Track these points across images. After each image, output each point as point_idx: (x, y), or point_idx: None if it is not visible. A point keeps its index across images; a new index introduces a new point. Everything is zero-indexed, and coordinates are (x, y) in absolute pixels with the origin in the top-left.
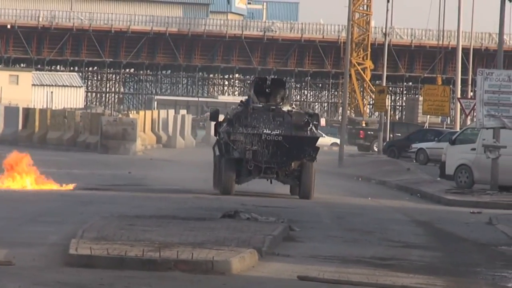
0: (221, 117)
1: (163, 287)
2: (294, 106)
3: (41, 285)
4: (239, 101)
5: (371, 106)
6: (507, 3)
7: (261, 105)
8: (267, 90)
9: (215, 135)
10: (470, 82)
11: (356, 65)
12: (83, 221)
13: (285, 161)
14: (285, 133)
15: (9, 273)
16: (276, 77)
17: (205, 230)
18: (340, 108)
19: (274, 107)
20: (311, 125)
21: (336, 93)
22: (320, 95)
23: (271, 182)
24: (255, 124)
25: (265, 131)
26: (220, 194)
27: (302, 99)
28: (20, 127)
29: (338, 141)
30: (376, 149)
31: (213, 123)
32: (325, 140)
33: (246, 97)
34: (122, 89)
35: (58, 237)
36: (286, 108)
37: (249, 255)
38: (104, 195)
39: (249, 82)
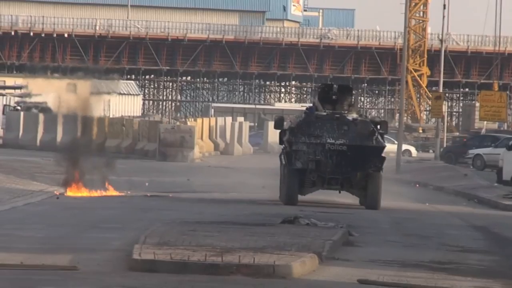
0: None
1: None
2: (361, 113)
3: None
4: (295, 108)
5: (427, 112)
6: None
7: (325, 113)
8: (333, 97)
9: (280, 143)
10: None
11: (413, 71)
12: (144, 227)
13: (349, 172)
14: (349, 142)
15: (74, 278)
16: (343, 84)
17: (265, 235)
18: (397, 115)
19: (338, 115)
20: (376, 134)
21: (392, 99)
22: (376, 101)
23: (339, 192)
24: (319, 133)
25: (328, 141)
26: (283, 204)
27: (359, 106)
28: (78, 134)
29: (411, 148)
30: None
31: (277, 131)
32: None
33: (311, 105)
34: (179, 97)
35: (120, 243)
36: (351, 116)
37: (309, 259)
38: (164, 202)
39: (309, 89)
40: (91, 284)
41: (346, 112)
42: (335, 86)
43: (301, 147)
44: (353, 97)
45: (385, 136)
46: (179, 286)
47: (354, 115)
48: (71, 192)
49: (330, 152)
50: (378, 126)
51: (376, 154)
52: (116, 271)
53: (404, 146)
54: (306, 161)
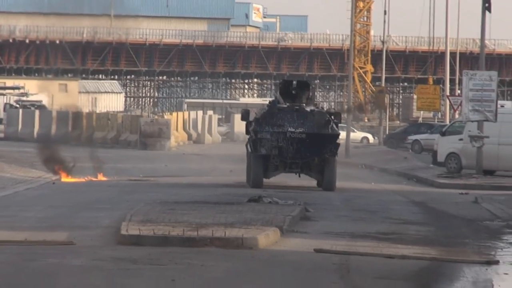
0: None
1: (201, 260)
2: (317, 105)
3: (99, 260)
4: (257, 102)
5: (371, 104)
6: (487, 12)
7: (286, 106)
8: (293, 91)
9: (247, 133)
10: (457, 82)
11: (358, 69)
12: (130, 207)
13: (308, 157)
14: (308, 131)
15: (72, 251)
16: (302, 79)
17: (234, 213)
18: (346, 106)
19: (298, 107)
20: (332, 123)
21: (341, 93)
22: (328, 95)
23: (299, 176)
24: (281, 123)
25: (289, 129)
26: (250, 187)
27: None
28: (70, 128)
29: (369, 136)
30: None
31: (243, 123)
32: (356, 135)
33: (273, 99)
34: (156, 94)
35: (110, 221)
36: (309, 108)
37: (272, 232)
38: (146, 185)
39: (269, 86)
40: (86, 257)
41: (304, 104)
42: (294, 82)
43: (266, 136)
44: (310, 92)
45: (340, 125)
46: (161, 257)
47: (312, 107)
48: (65, 178)
49: (291, 139)
50: (333, 117)
51: (331, 141)
52: (107, 245)
53: (363, 134)
54: (270, 148)
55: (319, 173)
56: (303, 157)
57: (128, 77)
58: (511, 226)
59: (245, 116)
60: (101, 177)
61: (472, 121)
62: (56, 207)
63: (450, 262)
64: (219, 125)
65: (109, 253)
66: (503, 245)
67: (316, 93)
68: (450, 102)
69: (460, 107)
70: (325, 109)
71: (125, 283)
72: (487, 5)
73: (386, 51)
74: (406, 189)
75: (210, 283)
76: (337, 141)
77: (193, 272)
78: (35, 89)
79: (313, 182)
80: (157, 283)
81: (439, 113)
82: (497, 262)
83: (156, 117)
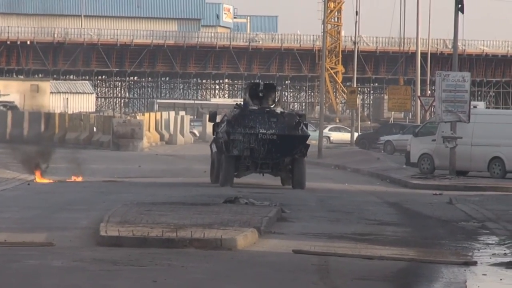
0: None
1: (181, 261)
2: (284, 107)
3: (80, 261)
4: (228, 103)
5: (343, 105)
6: (460, 13)
7: (256, 108)
8: (260, 94)
9: (213, 134)
10: (428, 82)
11: (329, 69)
12: (107, 208)
13: (279, 157)
14: (279, 132)
15: (52, 252)
16: (269, 82)
17: (211, 214)
18: (317, 107)
19: (268, 109)
20: (302, 125)
21: (312, 93)
22: (298, 96)
23: (263, 175)
24: (252, 125)
25: (261, 131)
26: (220, 186)
27: (283, 100)
28: (42, 129)
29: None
30: None
31: (210, 124)
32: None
33: (242, 100)
34: (127, 94)
35: (88, 222)
36: (279, 110)
37: (250, 233)
38: (121, 186)
39: (240, 86)
40: (67, 258)
41: (273, 106)
42: (261, 84)
43: (238, 137)
44: (276, 93)
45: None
46: (141, 258)
47: (281, 109)
48: (40, 179)
49: (262, 141)
50: (301, 118)
51: (301, 142)
52: (86, 246)
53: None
54: (242, 149)
55: (288, 173)
56: (274, 157)
57: (99, 77)
58: (486, 227)
59: (212, 118)
60: (75, 178)
61: (445, 122)
62: (32, 208)
63: (428, 263)
64: (193, 126)
65: (89, 254)
66: (480, 246)
67: (286, 93)
68: (421, 102)
69: (431, 107)
70: (294, 111)
71: (107, 284)
72: (460, 6)
73: (357, 51)
74: (380, 190)
75: (191, 284)
76: (307, 142)
77: (174, 273)
78: (6, 90)
79: (276, 181)
80: (139, 284)
81: (410, 113)
82: (475, 263)
83: (128, 117)
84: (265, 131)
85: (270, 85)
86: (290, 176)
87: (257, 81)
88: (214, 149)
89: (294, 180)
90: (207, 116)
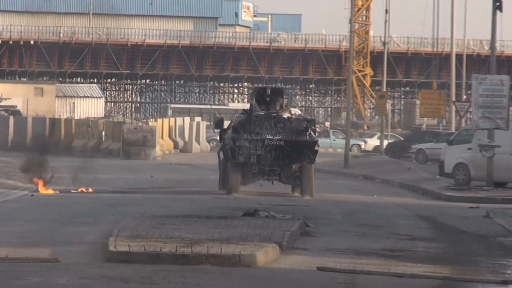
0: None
1: (196, 278)
2: (293, 112)
3: (87, 279)
4: (248, 107)
5: (371, 110)
6: (498, 12)
7: (263, 113)
8: (267, 99)
9: (220, 141)
10: (463, 86)
11: (357, 72)
12: (116, 221)
13: (286, 164)
14: (286, 138)
15: (57, 269)
16: (275, 85)
17: (229, 228)
18: (343, 113)
19: (275, 115)
20: (309, 130)
21: (338, 98)
22: (323, 100)
23: (272, 183)
24: (258, 131)
25: (267, 137)
26: (226, 194)
27: (307, 105)
28: (47, 136)
29: (361, 143)
30: None
31: (218, 130)
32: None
33: (249, 106)
34: (139, 99)
35: (95, 236)
36: (286, 115)
37: (271, 249)
38: (131, 197)
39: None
40: (73, 275)
41: (280, 111)
42: (268, 89)
43: (244, 143)
44: (285, 98)
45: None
46: (154, 275)
47: (288, 114)
48: (43, 190)
49: (269, 147)
50: (310, 124)
51: (309, 148)
52: (94, 262)
53: (354, 141)
54: (248, 155)
55: (297, 180)
56: (282, 164)
57: (109, 80)
58: None
59: (218, 124)
60: (82, 189)
61: (482, 129)
62: (36, 221)
63: (463, 281)
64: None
65: (97, 271)
66: None
67: (311, 98)
68: (456, 108)
69: (466, 113)
70: (302, 116)
71: None
72: (498, 4)
73: (387, 53)
74: (412, 203)
75: None
76: (315, 148)
77: None
78: (8, 93)
79: (286, 189)
80: None
81: (444, 120)
82: None
83: (140, 124)
84: (272, 137)
85: (277, 89)
86: (298, 183)
87: (264, 86)
88: (221, 156)
89: (302, 188)
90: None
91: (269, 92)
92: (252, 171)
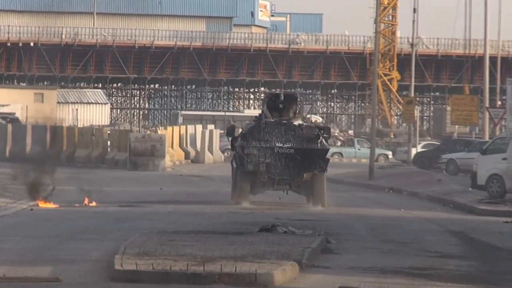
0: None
1: None
2: (306, 119)
3: None
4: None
5: (398, 117)
6: None
7: (273, 120)
8: (280, 105)
9: (232, 149)
10: (498, 91)
11: (383, 76)
12: (122, 237)
13: (297, 173)
14: (296, 146)
15: None
16: (288, 91)
17: (244, 244)
18: (368, 120)
19: (285, 121)
20: (321, 138)
21: (362, 104)
22: (346, 107)
23: (287, 193)
24: (268, 138)
25: (277, 145)
26: (234, 203)
27: (329, 112)
28: (47, 145)
29: (389, 153)
30: None
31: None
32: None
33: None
34: (147, 105)
35: (100, 254)
36: (297, 122)
37: (290, 267)
38: (139, 212)
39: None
40: None
41: (292, 118)
42: (281, 95)
43: (252, 151)
44: (298, 105)
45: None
46: None
47: (300, 121)
48: (44, 204)
49: (279, 155)
50: (322, 131)
51: (320, 156)
52: (98, 282)
53: (380, 151)
54: (257, 164)
55: (308, 190)
56: (292, 173)
57: (115, 85)
58: None
59: (230, 132)
60: (86, 203)
61: None
62: (36, 237)
63: None
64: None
65: None
66: None
67: (333, 104)
68: (490, 114)
69: (501, 120)
70: (314, 123)
71: None
72: None
73: (415, 55)
74: (442, 217)
75: None
76: (327, 156)
77: None
78: (6, 99)
79: (301, 199)
80: None
81: (477, 127)
82: None
83: (148, 132)
84: (281, 145)
85: (290, 96)
86: (310, 193)
87: (277, 92)
88: (235, 165)
89: (314, 197)
90: (238, 130)
91: (282, 98)
92: (261, 180)
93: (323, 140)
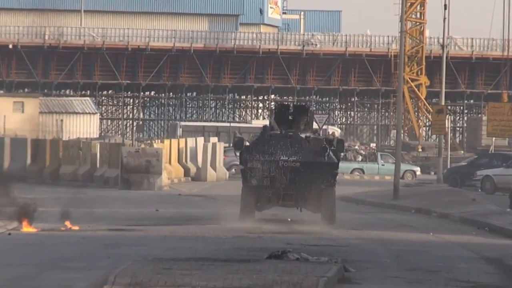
0: None
1: None
2: (315, 132)
3: None
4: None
5: (427, 128)
6: None
7: (278, 132)
8: (289, 117)
9: (240, 164)
10: None
11: (410, 81)
12: (112, 265)
13: (303, 187)
14: (302, 159)
15: None
16: (299, 103)
17: (250, 273)
18: (392, 131)
19: (291, 133)
20: (328, 151)
21: (386, 114)
22: (368, 116)
23: (301, 211)
24: (272, 151)
25: (282, 158)
26: (239, 220)
27: (348, 122)
28: (28, 161)
29: (416, 169)
30: None
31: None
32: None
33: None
34: (141, 115)
35: (86, 284)
36: (304, 134)
37: None
38: (132, 236)
39: (290, 102)
40: None
41: (301, 131)
42: (291, 106)
43: (256, 165)
44: (308, 116)
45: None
46: None
47: (308, 133)
48: (24, 227)
49: (284, 168)
50: (334, 144)
51: (328, 170)
52: None
53: (407, 166)
54: (261, 178)
55: (316, 206)
56: (298, 188)
57: (105, 92)
58: None
59: (238, 145)
60: (71, 226)
61: None
62: (15, 266)
63: None
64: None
65: None
66: None
67: (353, 113)
68: None
69: None
70: (323, 136)
71: None
72: None
73: (446, 57)
74: (476, 242)
75: None
76: (335, 170)
77: None
78: None
79: (314, 216)
80: None
81: None
82: None
83: (143, 146)
84: (287, 158)
85: (301, 107)
86: (319, 209)
87: (286, 103)
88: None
89: (323, 214)
90: (246, 143)
91: (291, 110)
92: (267, 195)
93: (331, 153)
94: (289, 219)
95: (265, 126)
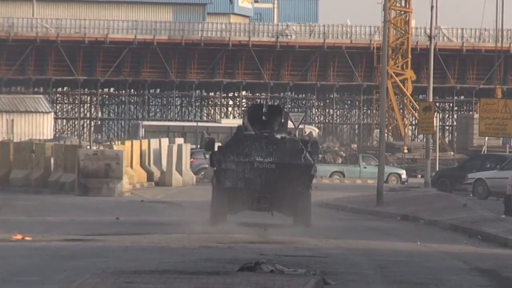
0: None
1: None
2: (290, 133)
3: None
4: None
5: (413, 127)
6: None
7: (253, 133)
8: (263, 117)
9: (211, 165)
10: None
11: (394, 76)
12: (69, 279)
13: (278, 190)
14: (278, 160)
15: None
16: (272, 103)
17: (220, 287)
18: (375, 131)
19: (267, 134)
20: (305, 152)
21: (369, 111)
22: (349, 114)
23: (272, 215)
24: (247, 152)
25: (257, 159)
26: (210, 224)
27: (327, 120)
28: None
29: (401, 172)
30: None
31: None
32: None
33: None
34: (99, 114)
35: None
36: (280, 135)
37: None
38: (90, 247)
39: (263, 99)
40: None
41: (276, 132)
42: (264, 106)
43: (230, 166)
44: (283, 117)
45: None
46: None
47: (283, 134)
48: None
49: (259, 170)
50: (309, 146)
51: (304, 172)
52: None
53: (391, 169)
54: (235, 180)
55: (292, 209)
56: (273, 190)
57: (59, 89)
58: None
59: (209, 146)
60: (23, 236)
61: None
62: None
63: None
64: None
65: None
66: None
67: (332, 111)
68: None
69: None
70: (298, 137)
71: None
72: None
73: (434, 50)
74: (468, 251)
75: None
76: (312, 172)
77: None
78: None
79: (287, 221)
80: None
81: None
82: None
83: (101, 148)
84: (262, 159)
85: (275, 107)
86: (294, 213)
87: (260, 103)
88: (215, 183)
89: (298, 217)
90: (214, 144)
91: (265, 110)
92: (240, 198)
93: (307, 155)
94: (263, 229)
95: (239, 127)
